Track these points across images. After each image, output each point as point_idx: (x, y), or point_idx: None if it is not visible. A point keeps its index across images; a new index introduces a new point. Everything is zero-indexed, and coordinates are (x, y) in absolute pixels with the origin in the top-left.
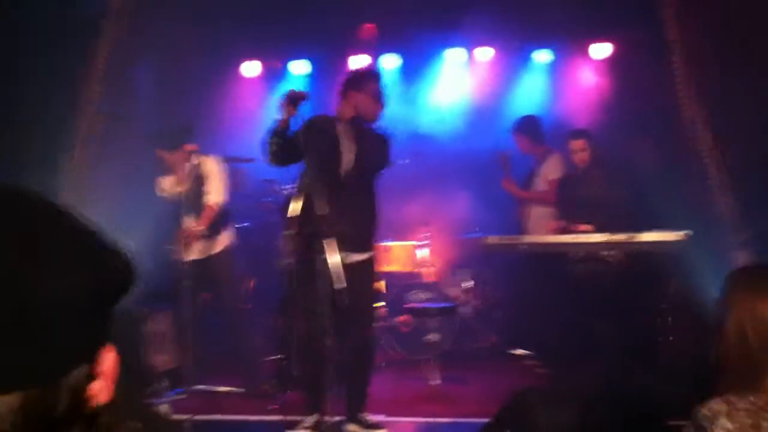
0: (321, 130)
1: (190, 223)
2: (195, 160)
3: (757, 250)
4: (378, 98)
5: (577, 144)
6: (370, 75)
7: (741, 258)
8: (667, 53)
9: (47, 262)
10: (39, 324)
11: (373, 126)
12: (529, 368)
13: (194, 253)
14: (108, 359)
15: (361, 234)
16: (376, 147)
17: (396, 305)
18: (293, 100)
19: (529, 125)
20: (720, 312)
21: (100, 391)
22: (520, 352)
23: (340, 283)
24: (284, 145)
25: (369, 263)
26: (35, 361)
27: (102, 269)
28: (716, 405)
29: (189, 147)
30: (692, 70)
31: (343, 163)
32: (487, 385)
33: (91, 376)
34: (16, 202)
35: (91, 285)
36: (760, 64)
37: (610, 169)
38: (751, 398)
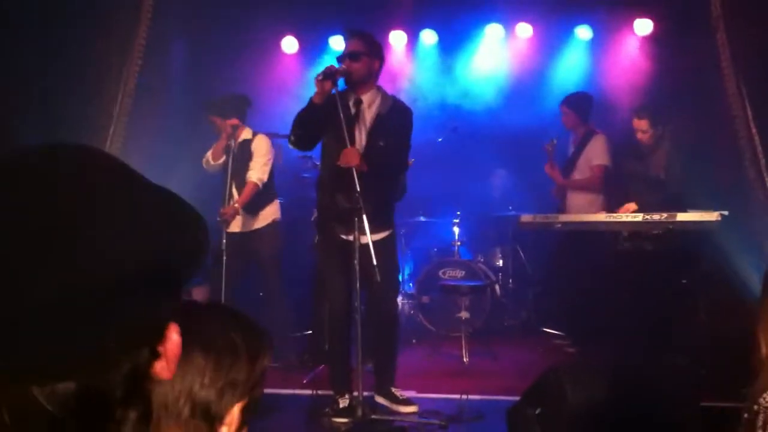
0: (342, 105)
1: (230, 201)
2: (246, 135)
3: None
4: (353, 56)
5: (641, 123)
6: (345, 36)
7: None
8: (710, 30)
9: (111, 227)
10: (100, 300)
11: (392, 100)
12: (559, 347)
13: (236, 226)
14: (171, 338)
15: (382, 211)
16: (393, 120)
17: (429, 282)
18: (330, 75)
19: (579, 101)
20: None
21: (162, 371)
22: (551, 330)
23: (375, 260)
24: (314, 124)
25: (391, 240)
26: (95, 343)
27: (175, 238)
28: None
29: (232, 121)
30: (734, 48)
31: (359, 139)
32: (517, 363)
33: (154, 356)
34: (77, 158)
35: (161, 256)
36: None
37: (673, 148)
38: None
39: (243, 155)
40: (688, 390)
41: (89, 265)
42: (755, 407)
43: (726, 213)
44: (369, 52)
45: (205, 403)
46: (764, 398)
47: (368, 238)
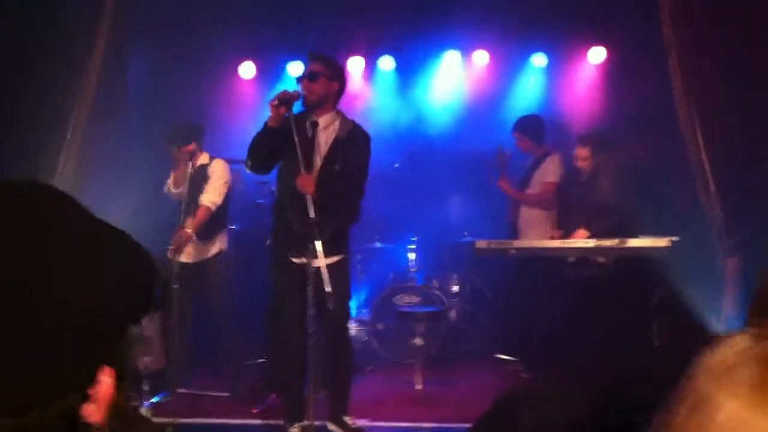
0: (297, 128)
1: (183, 226)
2: (203, 160)
3: (744, 257)
4: (312, 77)
5: (582, 152)
6: (306, 57)
7: (729, 264)
8: (663, 57)
9: (56, 272)
10: (39, 343)
11: (352, 125)
12: (514, 373)
13: (187, 255)
14: (105, 382)
15: (335, 236)
16: (350, 145)
17: (384, 308)
18: (284, 101)
19: (530, 125)
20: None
21: (92, 414)
22: (506, 356)
23: (328, 286)
24: (270, 148)
25: (344, 265)
26: (31, 386)
27: (122, 283)
28: None
29: (188, 147)
30: (686, 75)
31: (314, 162)
32: (471, 389)
33: (86, 398)
34: (28, 197)
35: (105, 301)
36: (754, 71)
37: (618, 175)
38: None
39: (199, 180)
40: (642, 416)
41: (28, 312)
42: None
43: (676, 239)
44: (328, 73)
45: None
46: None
47: (322, 263)
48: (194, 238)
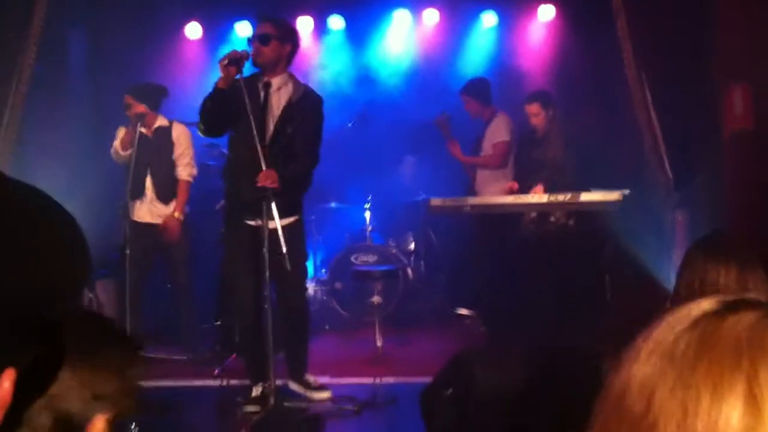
0: (248, 90)
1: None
2: (162, 122)
3: (691, 211)
4: (263, 39)
5: (532, 108)
6: (256, 19)
7: (678, 218)
8: (611, 13)
9: None
10: None
11: (305, 87)
12: (471, 328)
13: (145, 216)
14: (2, 385)
15: (289, 197)
16: (303, 108)
17: (341, 268)
18: (234, 61)
19: (477, 87)
20: (678, 276)
21: None
22: (463, 312)
23: (283, 247)
24: (221, 110)
25: (298, 226)
26: None
27: (41, 276)
28: None
29: (138, 109)
30: (635, 34)
31: (267, 125)
32: (429, 346)
33: None
34: None
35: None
36: (699, 31)
37: (566, 131)
38: None
39: (160, 144)
40: (595, 371)
41: None
42: None
43: (627, 192)
44: (279, 36)
45: (67, 415)
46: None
47: (277, 224)
48: (154, 197)
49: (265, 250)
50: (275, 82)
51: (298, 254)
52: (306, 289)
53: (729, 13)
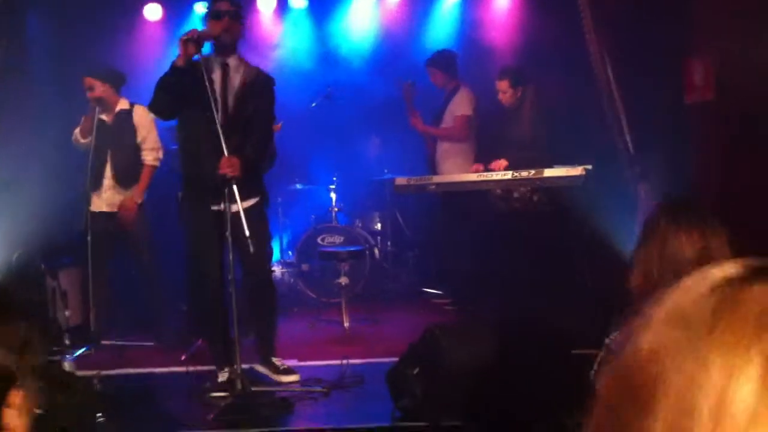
0: (207, 70)
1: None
2: (123, 105)
3: (653, 183)
4: (219, 15)
5: (501, 84)
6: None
7: (641, 190)
8: None
9: None
10: None
11: (257, 68)
12: (440, 307)
13: (102, 205)
14: None
15: (250, 178)
16: (258, 87)
17: (308, 249)
18: (195, 39)
19: (443, 59)
20: (638, 242)
21: None
22: (431, 291)
23: (247, 230)
24: (177, 90)
25: (261, 207)
26: None
27: None
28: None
29: (102, 89)
30: (596, 9)
31: (226, 106)
32: (398, 326)
33: None
34: None
35: None
36: (660, 4)
37: (536, 107)
38: None
39: (122, 128)
40: (560, 340)
41: None
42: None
43: (590, 167)
44: (235, 14)
45: None
46: (610, 338)
47: (239, 207)
48: (113, 184)
49: (228, 234)
50: (232, 62)
51: (262, 235)
52: (272, 270)
53: None
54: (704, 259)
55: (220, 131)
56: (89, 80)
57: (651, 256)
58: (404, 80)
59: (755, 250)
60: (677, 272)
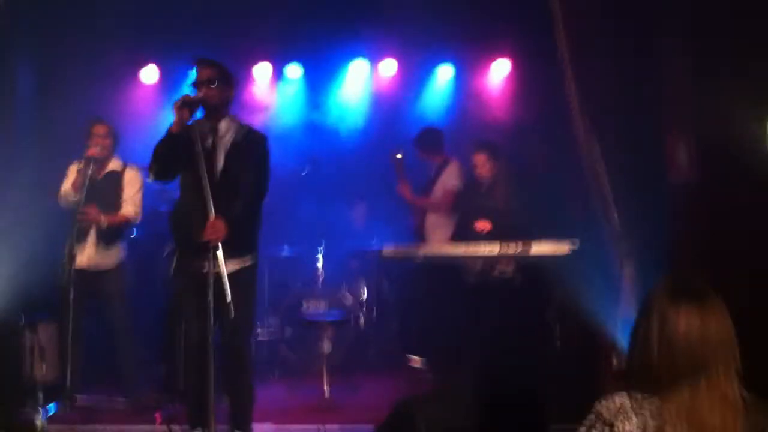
0: (199, 134)
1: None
2: (115, 166)
3: (638, 263)
4: (206, 83)
5: (479, 158)
6: (195, 64)
7: (626, 271)
8: (559, 68)
9: None
10: None
11: (248, 128)
12: (421, 377)
13: (86, 261)
14: None
15: (239, 242)
16: (246, 147)
17: (292, 314)
18: (188, 104)
19: (426, 139)
20: (637, 316)
21: None
22: (413, 359)
23: (228, 296)
24: (173, 154)
25: (248, 273)
26: None
27: None
28: (620, 398)
29: (106, 142)
30: (581, 83)
31: (215, 168)
32: (378, 394)
33: None
34: None
35: None
36: (646, 84)
37: (513, 182)
38: (657, 404)
39: (109, 186)
40: (538, 414)
41: None
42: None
43: (576, 244)
44: (223, 79)
45: None
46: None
47: (222, 271)
48: (97, 242)
49: (210, 297)
50: (222, 126)
51: (244, 302)
52: (249, 338)
53: (675, 66)
54: (703, 338)
55: (209, 195)
56: (101, 128)
57: (651, 335)
58: (395, 153)
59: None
60: (677, 351)
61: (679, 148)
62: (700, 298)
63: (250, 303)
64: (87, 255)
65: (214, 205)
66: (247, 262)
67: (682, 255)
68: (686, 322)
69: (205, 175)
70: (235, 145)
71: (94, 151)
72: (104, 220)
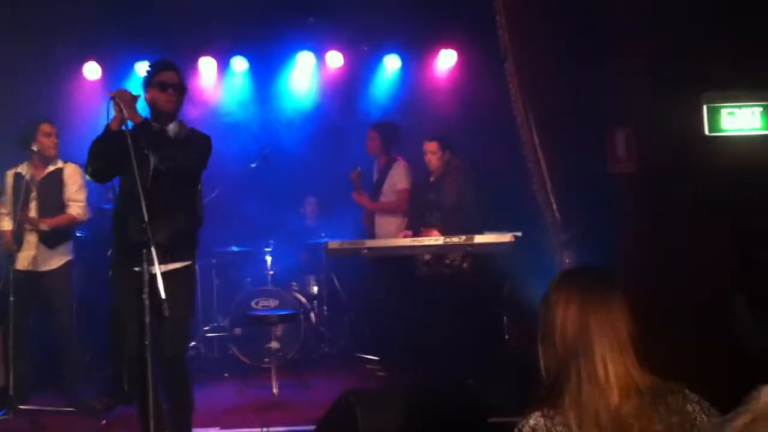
0: (134, 133)
1: (52, 258)
2: (58, 165)
3: (577, 252)
4: (165, 87)
5: (430, 145)
6: (156, 65)
7: (566, 257)
8: (501, 59)
9: None
10: None
11: (191, 129)
12: (372, 372)
13: (28, 262)
14: None
15: (179, 241)
16: (183, 147)
17: (241, 313)
18: (125, 102)
19: (388, 129)
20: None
21: None
22: (364, 355)
23: (162, 293)
24: (109, 153)
25: (185, 272)
26: None
27: None
28: (534, 420)
29: (51, 142)
30: (522, 75)
31: (151, 167)
32: (327, 391)
33: None
34: None
35: None
36: (585, 75)
37: (463, 173)
38: (568, 415)
39: (51, 186)
40: (476, 409)
41: None
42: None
43: (519, 234)
44: (180, 87)
45: None
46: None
47: (157, 270)
48: (38, 244)
49: (145, 296)
50: (171, 128)
51: (179, 302)
52: (185, 344)
53: (614, 58)
54: (579, 331)
55: (142, 194)
56: (47, 126)
57: (548, 329)
58: (354, 167)
59: (670, 319)
60: (555, 342)
61: (618, 138)
62: (583, 286)
63: (183, 304)
64: (30, 256)
65: (147, 209)
66: (181, 263)
67: (621, 244)
68: (563, 309)
69: (137, 177)
70: (176, 143)
71: (40, 146)
72: (45, 224)
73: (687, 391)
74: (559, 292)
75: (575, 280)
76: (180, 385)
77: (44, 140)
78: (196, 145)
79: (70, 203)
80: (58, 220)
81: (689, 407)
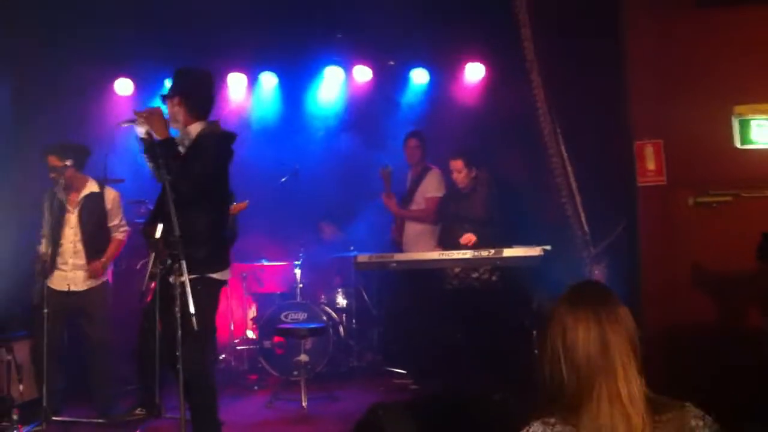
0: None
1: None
2: (93, 188)
3: (608, 264)
4: (163, 99)
5: (456, 164)
6: (174, 77)
7: (596, 272)
8: (527, 74)
9: None
10: None
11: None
12: (403, 386)
13: (62, 284)
14: None
15: (202, 253)
16: (201, 139)
17: (271, 326)
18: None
19: (425, 138)
20: (544, 332)
21: None
22: (394, 369)
23: (191, 307)
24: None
25: (200, 283)
26: None
27: None
28: (534, 429)
29: (64, 165)
30: (548, 89)
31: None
32: (358, 404)
33: None
34: None
35: None
36: (613, 89)
37: (491, 188)
38: (570, 426)
39: (91, 210)
40: (505, 422)
41: None
42: None
43: (549, 248)
44: (175, 92)
45: None
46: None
47: (185, 279)
48: (79, 265)
49: (177, 308)
50: (193, 129)
51: (196, 314)
52: (204, 355)
53: (643, 71)
54: (603, 343)
55: (171, 203)
56: (52, 158)
57: (556, 345)
58: (384, 164)
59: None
60: (580, 360)
61: (647, 151)
62: (597, 303)
63: (210, 315)
64: (66, 277)
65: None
66: (197, 274)
67: (650, 257)
68: (585, 330)
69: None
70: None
71: (57, 174)
72: (106, 262)
73: (691, 406)
74: (576, 313)
75: (586, 298)
76: (202, 397)
77: (54, 174)
78: (199, 154)
79: (116, 230)
80: (112, 255)
81: (693, 422)
